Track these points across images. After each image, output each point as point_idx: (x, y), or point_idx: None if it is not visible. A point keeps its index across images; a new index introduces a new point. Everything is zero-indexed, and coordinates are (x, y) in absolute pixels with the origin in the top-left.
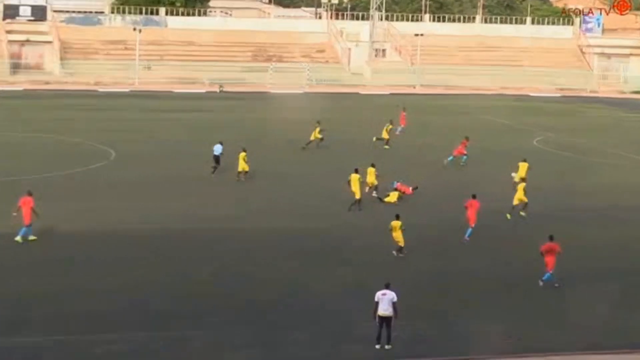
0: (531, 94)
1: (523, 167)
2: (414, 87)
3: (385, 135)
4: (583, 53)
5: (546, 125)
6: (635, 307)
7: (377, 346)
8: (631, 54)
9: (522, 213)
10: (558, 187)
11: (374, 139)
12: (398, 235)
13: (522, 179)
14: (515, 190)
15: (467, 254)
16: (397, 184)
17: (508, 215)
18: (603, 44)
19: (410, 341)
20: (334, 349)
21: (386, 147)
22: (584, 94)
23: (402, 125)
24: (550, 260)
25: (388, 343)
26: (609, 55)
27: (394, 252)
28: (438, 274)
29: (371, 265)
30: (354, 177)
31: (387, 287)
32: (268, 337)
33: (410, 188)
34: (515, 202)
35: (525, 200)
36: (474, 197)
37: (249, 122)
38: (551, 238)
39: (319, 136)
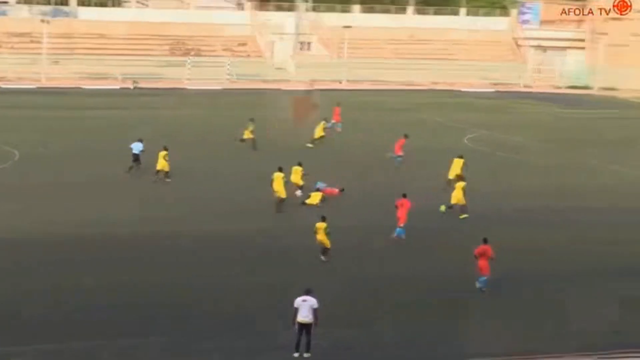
0: (463, 89)
1: (457, 163)
2: (341, 82)
3: (321, 133)
4: (518, 46)
5: (478, 122)
6: (559, 312)
7: (296, 354)
8: (568, 47)
9: (461, 216)
10: (490, 187)
11: (316, 136)
12: (323, 238)
13: (458, 176)
14: (452, 189)
15: (395, 257)
16: (321, 186)
17: (442, 207)
18: (539, 37)
19: (331, 349)
20: (252, 358)
21: (309, 145)
22: (518, 89)
23: (336, 121)
24: (483, 263)
25: (307, 351)
26: (545, 49)
27: (322, 257)
28: (364, 279)
29: (294, 270)
30: (277, 176)
31: (307, 293)
32: (180, 347)
33: (337, 189)
34: (454, 200)
35: (464, 202)
36: (404, 196)
37: (164, 120)
38: (485, 241)
39: (252, 136)
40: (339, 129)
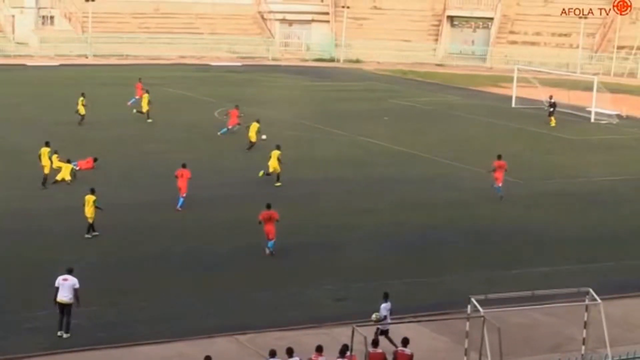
0: (212, 64)
1: (254, 127)
2: (87, 57)
3: (145, 106)
4: (264, 19)
5: (228, 96)
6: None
7: (59, 333)
8: (313, 20)
9: (276, 184)
10: (243, 160)
11: (135, 111)
12: (90, 211)
13: (252, 143)
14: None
15: (165, 233)
16: (77, 163)
17: (260, 173)
18: (284, 10)
19: (91, 329)
20: (10, 340)
21: (149, 120)
22: (266, 63)
23: (139, 96)
24: (269, 228)
25: (67, 332)
26: (290, 22)
27: (87, 234)
28: (131, 255)
29: (57, 248)
30: (44, 151)
31: (69, 272)
32: None
33: (91, 159)
34: (271, 169)
35: (279, 170)
36: (184, 166)
37: None
38: (268, 206)
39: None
40: (130, 104)
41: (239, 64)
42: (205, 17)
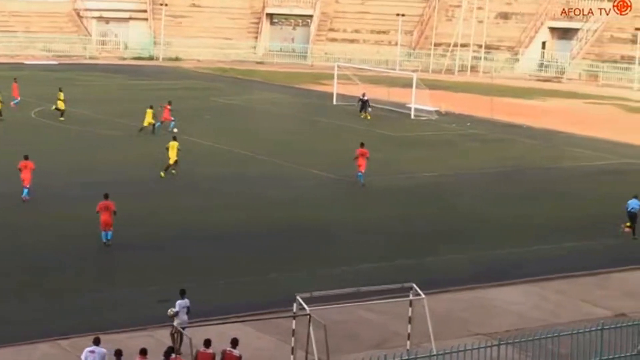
0: (26, 62)
1: (149, 114)
2: None
3: (61, 105)
4: (80, 17)
5: (44, 96)
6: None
7: None
8: (131, 18)
9: (173, 171)
10: (64, 160)
11: (53, 108)
12: None
13: (146, 125)
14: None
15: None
16: None
17: (162, 174)
18: (101, 8)
19: None
20: None
21: (62, 119)
22: (83, 61)
23: (17, 98)
24: (106, 218)
25: None
26: (107, 20)
27: None
28: None
29: None
30: None
31: None
32: None
33: None
34: (171, 161)
35: (176, 159)
36: (26, 158)
37: None
38: (106, 196)
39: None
40: (13, 104)
41: (55, 62)
42: (19, 14)
